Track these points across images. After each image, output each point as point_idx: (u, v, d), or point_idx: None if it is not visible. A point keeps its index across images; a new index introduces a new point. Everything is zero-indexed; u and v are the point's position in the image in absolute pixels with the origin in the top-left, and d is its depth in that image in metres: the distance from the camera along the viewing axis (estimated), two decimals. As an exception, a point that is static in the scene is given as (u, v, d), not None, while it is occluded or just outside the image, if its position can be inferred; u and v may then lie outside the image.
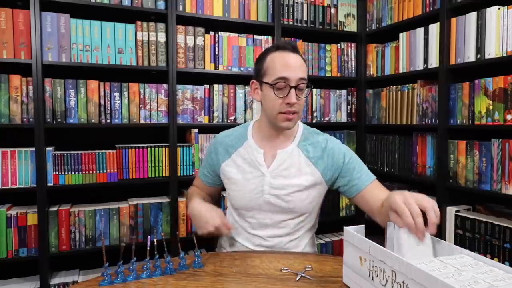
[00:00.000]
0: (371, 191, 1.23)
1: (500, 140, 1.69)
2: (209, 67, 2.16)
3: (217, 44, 2.18)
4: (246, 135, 1.31)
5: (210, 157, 1.36)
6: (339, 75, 2.50)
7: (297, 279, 0.95)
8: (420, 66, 2.11)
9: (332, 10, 2.45)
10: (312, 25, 2.39)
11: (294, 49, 1.21)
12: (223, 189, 1.41)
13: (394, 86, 2.29)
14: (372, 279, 0.81)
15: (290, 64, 1.17)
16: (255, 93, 1.26)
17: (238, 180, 1.27)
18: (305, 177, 1.23)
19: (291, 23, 2.32)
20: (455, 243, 1.83)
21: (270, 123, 1.24)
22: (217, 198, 1.54)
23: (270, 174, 1.23)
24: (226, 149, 1.31)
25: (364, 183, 1.24)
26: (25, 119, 1.83)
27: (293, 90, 1.16)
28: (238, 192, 1.27)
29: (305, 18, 2.36)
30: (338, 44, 2.49)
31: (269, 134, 1.27)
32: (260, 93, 1.24)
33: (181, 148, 2.09)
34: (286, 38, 2.33)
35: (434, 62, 2.01)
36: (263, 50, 2.29)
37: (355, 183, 1.24)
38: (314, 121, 2.44)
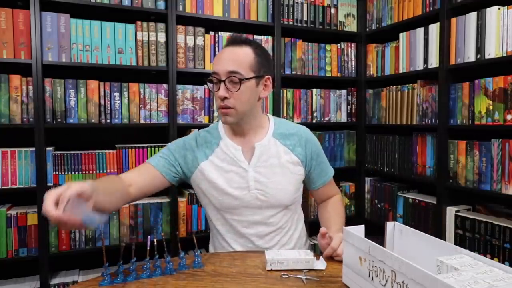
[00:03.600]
0: (327, 187, 1.38)
1: (500, 140, 1.69)
2: (209, 67, 2.16)
3: (217, 44, 2.18)
4: (219, 134, 1.28)
5: (187, 145, 1.26)
6: (339, 75, 2.50)
7: (304, 281, 0.95)
8: (420, 66, 2.11)
9: (332, 10, 2.45)
10: (312, 25, 2.39)
11: (237, 43, 1.19)
12: (163, 192, 1.31)
13: (394, 86, 2.29)
14: (372, 279, 0.81)
15: (220, 58, 1.17)
16: None
17: (220, 181, 1.22)
18: (286, 166, 1.25)
19: (291, 23, 2.32)
20: (455, 243, 1.83)
21: None
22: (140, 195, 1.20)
23: (252, 169, 1.22)
24: (204, 152, 1.25)
25: (327, 180, 1.36)
26: (25, 119, 1.83)
27: (222, 84, 1.15)
28: (222, 194, 1.23)
29: (305, 18, 2.36)
30: (338, 44, 2.49)
31: (239, 130, 1.25)
32: None
33: (181, 148, 2.09)
34: (286, 38, 2.33)
35: (434, 62, 2.01)
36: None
37: (321, 179, 1.35)
38: (314, 121, 2.44)
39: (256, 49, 1.20)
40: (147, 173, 1.21)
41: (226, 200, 1.23)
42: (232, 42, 1.20)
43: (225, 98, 1.15)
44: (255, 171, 1.22)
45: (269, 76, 1.23)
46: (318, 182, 1.34)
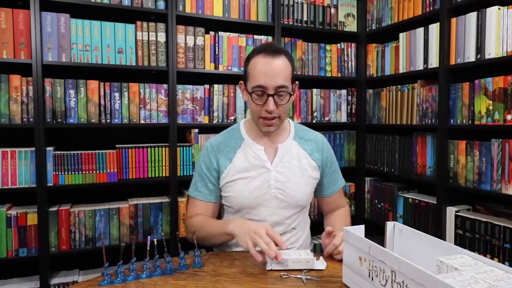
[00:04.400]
0: (336, 197, 1.40)
1: (500, 140, 1.69)
2: (209, 67, 2.16)
3: (217, 44, 2.18)
4: (241, 135, 1.31)
5: (211, 167, 1.30)
6: (339, 75, 2.50)
7: (304, 281, 0.95)
8: (420, 66, 2.11)
9: (332, 10, 2.45)
10: (312, 25, 2.39)
11: (276, 53, 1.18)
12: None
13: (394, 86, 2.29)
14: (372, 279, 0.81)
15: (268, 72, 1.16)
16: (243, 93, 1.28)
17: (242, 179, 1.26)
18: (305, 168, 1.29)
19: (291, 23, 2.32)
20: (455, 243, 1.83)
21: (255, 124, 1.28)
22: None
23: (274, 169, 1.26)
24: (226, 155, 1.29)
25: (337, 189, 1.39)
26: (25, 119, 1.83)
27: (271, 98, 1.17)
28: (242, 192, 1.25)
29: (305, 18, 2.36)
30: (338, 44, 2.49)
31: (268, 133, 1.29)
32: (246, 94, 1.26)
33: (181, 148, 2.09)
34: (286, 38, 2.33)
35: (434, 62, 2.01)
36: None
37: (332, 187, 1.37)
38: (314, 121, 2.44)
39: (288, 55, 1.22)
40: (207, 209, 1.31)
41: (246, 200, 1.26)
42: (273, 53, 1.18)
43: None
44: (277, 171, 1.26)
45: (297, 82, 1.29)
46: (329, 190, 1.37)
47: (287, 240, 1.29)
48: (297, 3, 2.33)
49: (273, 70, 1.16)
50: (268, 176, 1.25)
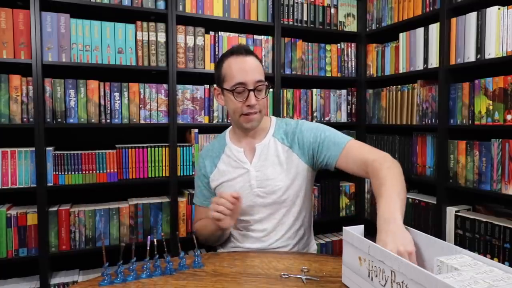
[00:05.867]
0: (347, 155, 1.21)
1: (500, 140, 1.69)
2: (209, 67, 2.16)
3: (217, 44, 2.18)
4: (225, 141, 1.37)
5: (201, 174, 1.39)
6: (339, 75, 2.50)
7: (304, 281, 0.96)
8: (420, 66, 2.11)
9: (332, 10, 2.45)
10: (312, 25, 2.39)
11: (248, 52, 1.25)
12: None
13: (394, 86, 2.29)
14: (372, 279, 0.81)
15: (245, 68, 1.21)
16: (218, 98, 1.33)
17: (226, 182, 1.31)
18: (286, 162, 1.29)
19: (291, 23, 2.32)
20: (455, 243, 1.83)
21: (237, 124, 1.30)
22: None
23: (254, 168, 1.28)
24: (212, 161, 1.36)
25: (337, 151, 1.23)
26: (25, 119, 1.83)
27: (251, 93, 1.21)
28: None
29: (305, 18, 2.36)
30: (338, 44, 2.49)
31: (244, 133, 1.32)
32: (223, 98, 1.29)
33: (181, 148, 2.09)
34: (286, 38, 2.33)
35: (434, 62, 2.01)
36: (263, 50, 2.30)
37: (330, 153, 1.24)
38: (314, 121, 2.44)
39: (257, 56, 1.29)
40: (206, 213, 1.33)
41: None
42: (245, 52, 1.25)
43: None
44: (256, 170, 1.28)
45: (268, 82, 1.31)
46: (334, 158, 1.24)
47: (283, 236, 1.30)
48: (297, 3, 2.33)
49: (250, 66, 1.22)
50: (249, 176, 1.28)
